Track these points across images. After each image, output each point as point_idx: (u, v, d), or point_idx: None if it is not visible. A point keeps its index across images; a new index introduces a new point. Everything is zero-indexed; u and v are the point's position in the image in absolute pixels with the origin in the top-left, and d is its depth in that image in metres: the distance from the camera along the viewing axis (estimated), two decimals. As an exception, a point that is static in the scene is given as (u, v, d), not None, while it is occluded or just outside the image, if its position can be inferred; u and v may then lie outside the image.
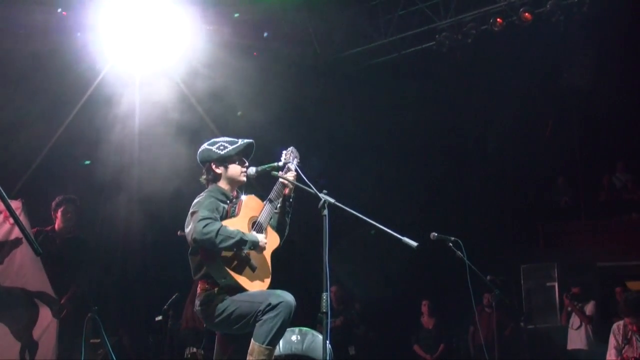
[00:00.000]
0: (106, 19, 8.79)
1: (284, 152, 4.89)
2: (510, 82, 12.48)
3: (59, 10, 8.85)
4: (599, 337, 10.08)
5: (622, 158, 13.86)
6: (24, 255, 6.99)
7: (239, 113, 10.33)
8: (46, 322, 7.07)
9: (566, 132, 14.19)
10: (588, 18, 10.16)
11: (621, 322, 7.07)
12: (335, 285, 11.00)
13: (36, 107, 8.44)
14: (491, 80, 12.36)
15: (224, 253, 4.35)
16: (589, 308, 10.49)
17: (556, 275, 11.86)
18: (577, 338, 10.50)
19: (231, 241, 4.27)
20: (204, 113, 9.83)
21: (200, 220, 4.27)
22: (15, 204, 6.86)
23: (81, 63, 8.84)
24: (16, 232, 6.95)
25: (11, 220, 6.79)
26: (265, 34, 10.71)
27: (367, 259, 11.80)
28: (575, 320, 10.58)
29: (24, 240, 6.82)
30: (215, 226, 4.26)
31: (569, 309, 10.70)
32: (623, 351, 6.90)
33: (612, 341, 7.02)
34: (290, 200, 4.83)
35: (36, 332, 7.02)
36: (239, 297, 4.38)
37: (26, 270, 7.01)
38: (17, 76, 8.41)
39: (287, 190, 4.79)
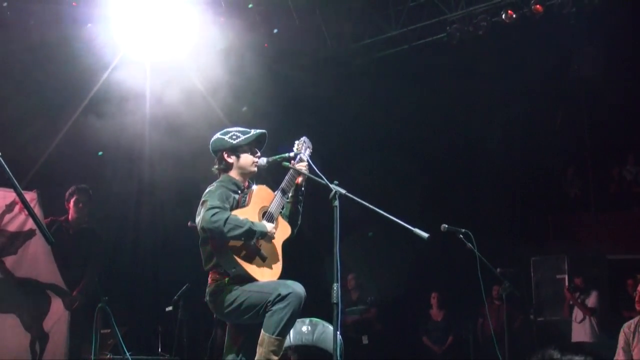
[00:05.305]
0: (117, 10, 8.80)
1: (296, 142, 4.87)
2: (520, 73, 12.43)
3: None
4: (606, 329, 10.02)
5: (632, 150, 13.79)
6: (37, 246, 7.04)
7: (244, 108, 10.35)
8: (57, 314, 7.12)
9: (576, 124, 14.11)
10: (599, 9, 10.10)
11: (632, 322, 6.95)
12: (353, 272, 11.03)
13: (48, 97, 8.47)
14: (501, 71, 12.31)
15: (233, 243, 4.34)
16: (591, 300, 10.38)
17: (566, 267, 11.82)
18: (581, 331, 10.42)
19: (240, 230, 4.26)
20: (215, 104, 9.84)
21: (210, 209, 4.27)
22: (30, 195, 6.91)
23: (92, 53, 8.86)
24: (30, 223, 7.00)
25: (26, 211, 6.83)
26: (275, 30, 10.69)
27: (376, 251, 11.80)
28: (577, 313, 10.51)
29: (37, 231, 6.87)
30: (223, 215, 4.26)
31: (571, 302, 10.65)
32: (633, 346, 6.80)
33: (620, 341, 6.90)
34: (302, 189, 4.81)
35: (47, 324, 7.06)
36: (248, 287, 4.38)
37: (39, 261, 7.06)
38: (28, 67, 8.44)
39: (298, 180, 4.77)
